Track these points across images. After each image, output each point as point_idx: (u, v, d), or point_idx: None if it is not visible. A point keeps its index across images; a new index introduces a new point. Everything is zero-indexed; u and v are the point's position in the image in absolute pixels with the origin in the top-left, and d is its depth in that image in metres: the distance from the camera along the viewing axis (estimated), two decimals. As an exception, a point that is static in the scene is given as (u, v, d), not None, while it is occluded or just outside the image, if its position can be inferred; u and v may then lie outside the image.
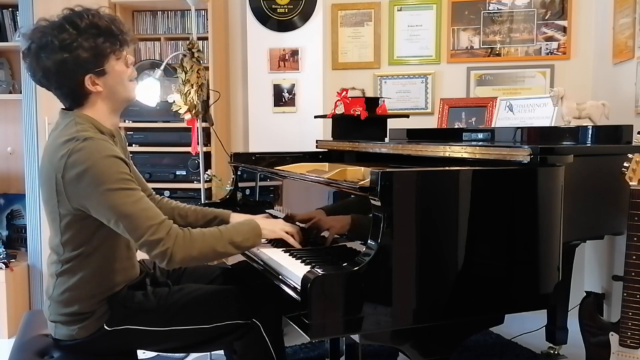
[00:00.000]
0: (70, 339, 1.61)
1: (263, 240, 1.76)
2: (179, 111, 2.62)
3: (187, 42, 2.61)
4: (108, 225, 1.51)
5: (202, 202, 2.78)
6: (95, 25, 1.52)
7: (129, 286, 1.69)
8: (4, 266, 3.16)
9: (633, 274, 1.80)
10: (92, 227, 1.54)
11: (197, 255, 1.54)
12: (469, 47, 3.33)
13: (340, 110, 2.73)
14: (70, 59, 1.49)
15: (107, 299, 1.63)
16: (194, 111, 2.59)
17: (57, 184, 1.49)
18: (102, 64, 1.54)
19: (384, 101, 2.89)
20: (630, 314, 1.82)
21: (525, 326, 2.76)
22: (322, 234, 1.75)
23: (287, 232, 1.76)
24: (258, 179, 2.38)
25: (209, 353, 2.65)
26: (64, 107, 1.63)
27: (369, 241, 1.39)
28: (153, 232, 1.48)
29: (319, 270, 1.33)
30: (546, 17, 3.23)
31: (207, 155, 3.20)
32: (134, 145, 3.27)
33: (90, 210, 1.49)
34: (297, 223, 1.89)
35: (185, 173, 3.23)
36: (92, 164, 1.45)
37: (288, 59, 3.26)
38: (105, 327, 1.61)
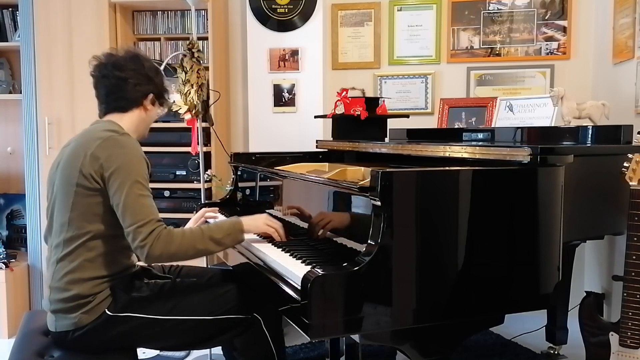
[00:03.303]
0: (72, 328, 1.62)
1: (254, 236, 1.86)
2: (179, 111, 2.62)
3: (187, 42, 2.61)
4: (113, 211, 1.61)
5: (202, 202, 2.78)
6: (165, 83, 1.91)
7: (131, 275, 1.75)
8: (4, 266, 3.16)
9: (633, 274, 1.80)
10: (104, 208, 1.62)
11: (175, 251, 1.61)
12: (469, 47, 3.33)
13: (340, 110, 2.73)
14: (156, 79, 1.83)
15: (110, 285, 1.66)
16: (194, 111, 2.59)
17: (84, 159, 1.61)
18: (158, 100, 1.85)
19: (384, 101, 2.89)
20: (630, 314, 1.82)
21: (525, 326, 2.77)
22: (318, 230, 1.75)
23: (270, 226, 1.81)
24: (258, 179, 2.38)
25: (208, 352, 2.65)
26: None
27: (369, 241, 1.39)
28: (140, 226, 1.57)
29: (319, 270, 1.33)
30: (546, 17, 3.23)
31: (207, 155, 3.20)
32: (134, 145, 3.27)
33: (105, 185, 1.60)
34: (289, 218, 1.89)
35: (185, 173, 3.23)
36: (125, 151, 1.64)
37: (288, 59, 3.27)
38: (108, 312, 1.63)
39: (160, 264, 1.98)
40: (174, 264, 2.00)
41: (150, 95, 1.80)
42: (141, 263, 1.85)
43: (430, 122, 3.29)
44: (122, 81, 1.75)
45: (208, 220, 2.05)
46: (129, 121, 1.79)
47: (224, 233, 1.69)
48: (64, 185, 1.65)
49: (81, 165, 1.61)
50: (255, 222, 1.81)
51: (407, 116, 2.94)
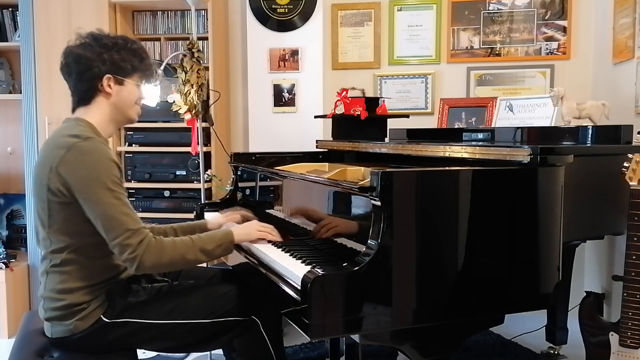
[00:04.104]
0: (69, 334, 1.61)
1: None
2: (179, 111, 2.61)
3: (187, 42, 2.61)
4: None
5: (202, 202, 2.78)
6: (139, 54, 1.74)
7: (127, 280, 1.72)
8: (4, 266, 3.16)
9: (633, 274, 1.80)
10: (79, 220, 1.57)
11: (166, 262, 1.59)
12: (469, 47, 3.33)
13: (340, 110, 2.73)
14: (107, 56, 1.65)
15: (104, 291, 1.65)
16: (194, 111, 2.59)
17: (50, 173, 1.54)
18: (126, 76, 1.69)
19: (384, 101, 2.89)
20: (630, 314, 1.82)
21: (525, 326, 2.76)
22: (318, 230, 1.75)
23: (262, 232, 1.80)
24: (258, 179, 2.38)
25: (208, 353, 2.65)
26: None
27: (369, 241, 1.39)
28: (127, 237, 1.52)
29: (319, 271, 1.33)
30: (546, 17, 3.23)
31: (207, 155, 3.20)
32: (134, 145, 3.27)
33: (77, 200, 1.54)
34: (289, 218, 1.89)
35: (185, 173, 3.23)
36: (89, 160, 1.54)
37: (288, 59, 3.26)
38: (104, 318, 1.62)
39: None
40: None
41: (105, 77, 1.64)
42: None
43: (430, 122, 3.29)
44: (70, 74, 1.66)
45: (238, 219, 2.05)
46: (97, 112, 1.67)
47: (215, 244, 1.68)
48: (38, 201, 1.60)
49: (48, 181, 1.54)
50: (247, 230, 1.80)
51: (407, 116, 2.94)
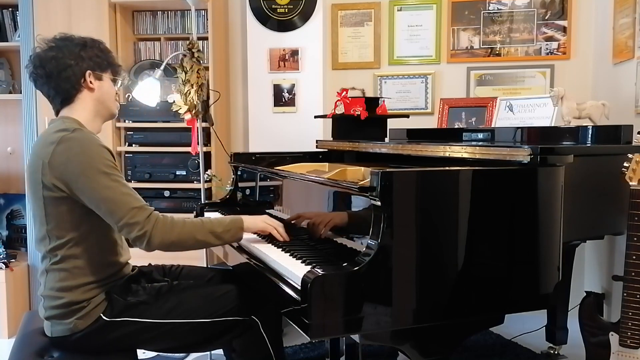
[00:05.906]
0: (68, 333, 1.61)
1: (254, 236, 1.85)
2: (179, 111, 2.61)
3: (187, 42, 2.61)
4: (92, 212, 1.56)
5: (202, 202, 2.78)
6: (108, 52, 1.78)
7: (127, 279, 1.73)
8: (4, 266, 3.16)
9: (633, 274, 1.80)
10: (77, 214, 1.58)
11: (175, 239, 1.58)
12: (469, 47, 3.33)
13: (340, 110, 2.73)
14: (84, 54, 1.68)
15: (104, 289, 1.65)
16: (194, 111, 2.59)
17: (43, 168, 1.55)
18: (103, 72, 1.73)
19: (384, 101, 2.89)
20: (630, 314, 1.82)
21: (525, 326, 2.77)
22: (317, 230, 1.75)
23: (269, 224, 1.80)
24: (258, 179, 2.38)
25: (208, 353, 2.65)
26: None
27: (369, 241, 1.39)
28: (132, 215, 1.53)
29: (319, 271, 1.33)
30: (546, 17, 3.23)
31: (207, 155, 3.20)
32: (134, 145, 3.27)
33: (74, 192, 1.54)
34: (289, 218, 1.90)
35: (185, 173, 3.23)
36: (80, 149, 1.56)
37: (288, 59, 3.27)
38: (104, 317, 1.62)
39: (161, 265, 1.98)
40: (175, 264, 2.00)
41: (87, 73, 1.67)
42: (139, 263, 1.86)
43: (430, 122, 3.29)
44: (49, 77, 1.66)
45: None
46: (82, 109, 1.69)
47: (223, 228, 1.68)
48: (33, 199, 1.61)
49: (42, 176, 1.55)
50: (255, 220, 1.80)
51: (407, 116, 2.94)
